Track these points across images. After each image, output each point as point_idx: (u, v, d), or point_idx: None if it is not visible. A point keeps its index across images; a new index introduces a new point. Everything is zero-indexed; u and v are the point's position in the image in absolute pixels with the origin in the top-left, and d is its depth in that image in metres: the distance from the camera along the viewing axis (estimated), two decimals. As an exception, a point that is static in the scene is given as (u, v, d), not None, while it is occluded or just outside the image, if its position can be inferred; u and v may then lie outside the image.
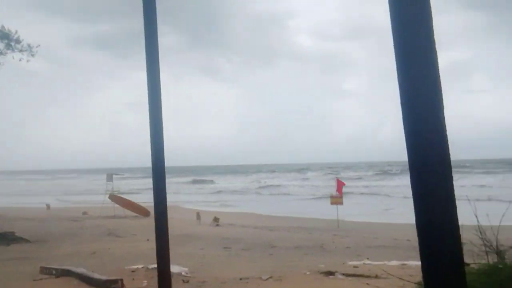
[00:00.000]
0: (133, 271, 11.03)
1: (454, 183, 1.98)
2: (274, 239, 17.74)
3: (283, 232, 20.40)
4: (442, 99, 1.72)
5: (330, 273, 10.12)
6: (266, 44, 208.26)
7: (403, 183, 54.19)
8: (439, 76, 1.75)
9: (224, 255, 14.62)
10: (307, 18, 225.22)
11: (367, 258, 13.15)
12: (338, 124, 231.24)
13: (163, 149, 2.11)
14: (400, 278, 7.95)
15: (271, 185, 60.47)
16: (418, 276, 9.69)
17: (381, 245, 16.77)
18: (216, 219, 24.50)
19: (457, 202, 2.03)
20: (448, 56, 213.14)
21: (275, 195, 48.91)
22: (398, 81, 1.84)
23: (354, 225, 23.54)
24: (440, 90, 1.74)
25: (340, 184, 24.74)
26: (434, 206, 1.68)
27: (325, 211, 27.44)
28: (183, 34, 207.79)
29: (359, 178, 62.75)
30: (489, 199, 30.50)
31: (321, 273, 10.25)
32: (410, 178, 1.77)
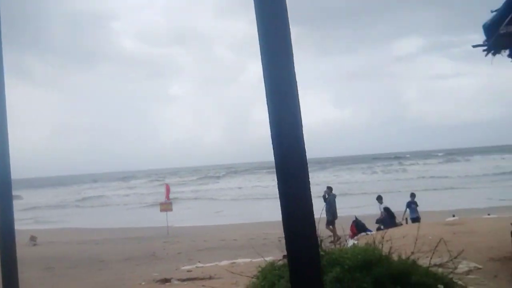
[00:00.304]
0: None
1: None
2: (101, 253, 17.00)
3: (111, 245, 19.63)
4: (299, 105, 2.02)
5: (166, 280, 10.18)
6: (87, 46, 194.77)
7: (227, 186, 57.10)
8: (297, 87, 2.05)
9: (47, 276, 13.41)
10: (132, 21, 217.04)
11: (199, 261, 13.55)
12: (164, 130, 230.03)
13: (9, 165, 1.95)
14: (232, 272, 8.49)
15: (92, 196, 56.96)
16: (248, 272, 10.44)
17: (211, 247, 17.45)
18: (33, 238, 22.17)
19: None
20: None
21: (98, 206, 46.23)
22: (266, 91, 2.09)
23: (184, 230, 23.87)
24: (298, 96, 2.04)
25: (169, 190, 24.78)
26: (295, 199, 1.98)
27: (154, 219, 27.25)
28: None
29: (185, 184, 63.60)
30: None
31: (157, 281, 10.23)
32: (277, 176, 2.02)
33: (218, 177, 73.90)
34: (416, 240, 6.64)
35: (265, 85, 2.06)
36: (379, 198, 16.96)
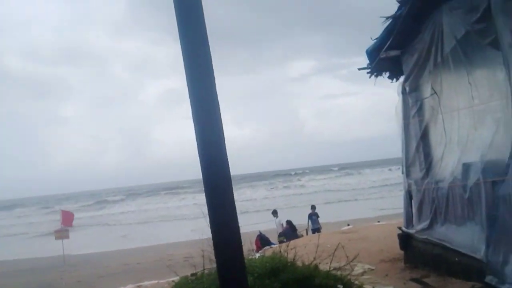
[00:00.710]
0: None
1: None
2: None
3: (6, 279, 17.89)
4: (221, 123, 2.22)
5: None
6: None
7: (127, 209, 54.95)
8: (219, 106, 2.24)
9: None
10: (18, 38, 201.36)
11: (101, 288, 12.98)
12: (56, 154, 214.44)
13: None
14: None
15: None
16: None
17: (113, 273, 16.76)
18: None
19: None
20: (164, 85, 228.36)
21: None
22: (191, 111, 2.25)
23: (82, 257, 22.53)
24: (220, 114, 2.24)
25: (66, 216, 23.25)
26: (221, 210, 2.16)
27: (48, 248, 25.38)
28: None
29: (80, 209, 59.89)
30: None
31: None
32: (205, 191, 2.19)
33: (116, 201, 70.85)
34: (317, 247, 7.16)
35: (191, 105, 2.24)
36: (274, 212, 17.64)
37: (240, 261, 2.15)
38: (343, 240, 11.54)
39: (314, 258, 6.86)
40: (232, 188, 2.19)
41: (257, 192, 59.10)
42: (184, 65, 2.25)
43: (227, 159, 2.18)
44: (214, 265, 6.15)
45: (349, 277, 6.67)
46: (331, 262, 7.04)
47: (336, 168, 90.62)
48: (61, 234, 22.30)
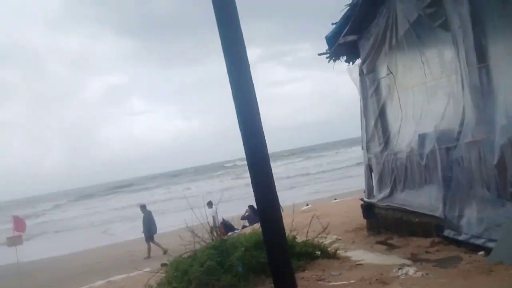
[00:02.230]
0: None
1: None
2: None
3: None
4: (258, 107, 2.63)
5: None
6: None
7: (76, 213, 53.21)
8: (256, 97, 2.65)
9: None
10: None
11: (68, 289, 12.86)
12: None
13: None
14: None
15: None
16: (131, 285, 10.39)
17: (75, 274, 16.48)
18: None
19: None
20: (108, 81, 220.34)
21: None
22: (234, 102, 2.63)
23: (38, 263, 21.77)
24: (257, 103, 2.65)
25: (18, 222, 22.38)
26: (263, 187, 2.58)
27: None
28: None
29: (31, 215, 57.32)
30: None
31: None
32: (249, 170, 2.58)
33: (63, 204, 68.42)
34: (292, 221, 7.73)
35: (231, 91, 2.63)
36: (209, 204, 17.59)
37: (281, 231, 2.60)
38: (306, 218, 12.20)
39: (290, 231, 7.44)
40: (270, 166, 2.62)
41: (211, 185, 59.12)
42: (225, 61, 2.63)
43: (264, 137, 2.60)
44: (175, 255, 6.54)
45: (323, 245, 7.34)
46: (307, 233, 7.66)
47: (287, 154, 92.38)
48: (14, 240, 21.48)
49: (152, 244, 17.64)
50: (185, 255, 6.34)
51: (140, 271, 10.25)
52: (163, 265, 10.19)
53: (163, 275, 6.39)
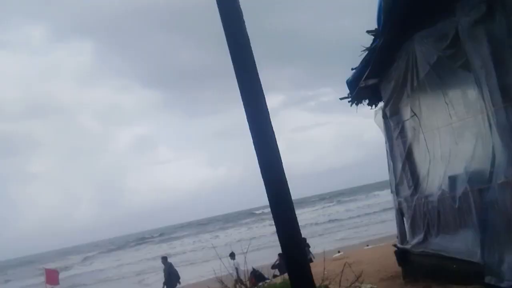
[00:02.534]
0: None
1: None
2: None
3: None
4: (279, 150, 2.60)
5: None
6: None
7: (102, 267, 53.25)
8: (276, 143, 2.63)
9: None
10: None
11: None
12: (24, 212, 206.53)
13: None
14: None
15: None
16: None
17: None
18: None
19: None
20: (135, 131, 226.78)
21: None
22: (254, 147, 2.63)
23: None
24: (277, 147, 2.63)
25: (51, 274, 22.43)
26: (291, 240, 2.53)
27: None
28: None
29: (63, 267, 57.68)
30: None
31: None
32: (271, 211, 2.52)
33: (95, 256, 68.72)
34: (324, 270, 7.49)
35: (251, 133, 2.63)
36: (232, 255, 17.37)
37: (309, 279, 2.52)
38: (338, 266, 11.82)
39: (322, 280, 7.18)
40: (293, 207, 2.56)
41: (237, 233, 58.52)
42: (242, 97, 2.65)
43: (287, 181, 2.56)
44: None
45: (358, 295, 7.04)
46: (340, 282, 7.37)
47: (316, 199, 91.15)
48: (49, 295, 21.47)
49: None
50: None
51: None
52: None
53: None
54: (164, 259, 19.60)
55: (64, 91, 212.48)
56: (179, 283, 18.43)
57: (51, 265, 39.18)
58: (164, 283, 18.33)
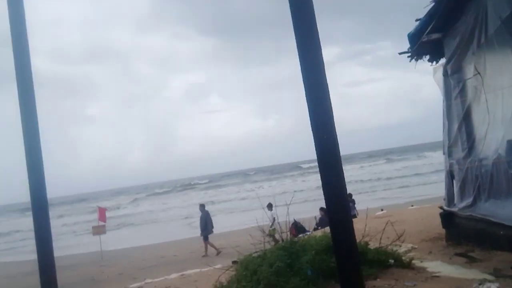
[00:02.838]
0: None
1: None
2: (37, 285, 16.02)
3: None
4: (331, 105, 2.56)
5: (122, 297, 10.07)
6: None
7: (154, 208, 55.88)
8: (329, 92, 2.58)
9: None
10: (43, 38, 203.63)
11: (145, 278, 13.41)
12: (82, 152, 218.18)
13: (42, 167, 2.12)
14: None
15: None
16: (202, 280, 10.67)
17: (152, 265, 17.27)
18: None
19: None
20: (188, 79, 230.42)
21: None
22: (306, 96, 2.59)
23: (118, 252, 23.12)
24: (329, 97, 2.58)
25: (102, 212, 23.88)
26: (336, 195, 2.50)
27: (84, 245, 26.26)
28: None
29: (114, 206, 61.27)
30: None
31: (113, 299, 10.08)
32: (319, 169, 2.50)
33: (144, 198, 72.15)
34: (365, 227, 7.49)
35: (305, 90, 2.58)
36: (269, 206, 17.15)
37: (351, 236, 2.50)
38: (380, 224, 11.78)
39: (363, 236, 7.20)
40: (341, 162, 2.52)
41: (282, 185, 59.22)
42: (297, 48, 2.59)
43: (337, 139, 2.51)
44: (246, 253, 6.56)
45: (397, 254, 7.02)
46: (380, 240, 7.38)
47: (364, 156, 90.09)
48: (98, 230, 22.94)
49: (207, 243, 18.34)
50: (255, 255, 6.36)
51: (211, 267, 10.54)
52: (234, 262, 10.35)
53: (233, 273, 6.45)
54: (202, 206, 20.22)
55: (122, 36, 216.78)
56: (212, 232, 19.22)
57: (103, 204, 41.49)
58: (203, 229, 19.05)
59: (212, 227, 19.18)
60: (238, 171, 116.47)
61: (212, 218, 19.90)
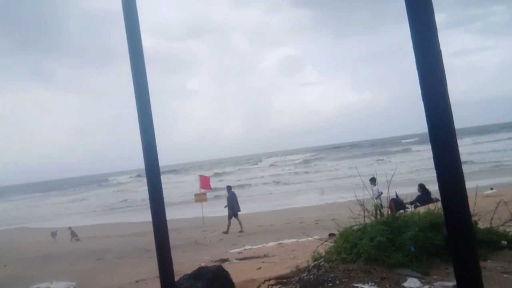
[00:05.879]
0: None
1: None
2: (146, 244, 17.26)
3: (151, 237, 20.05)
4: (445, 77, 2.42)
5: (224, 260, 10.63)
6: (104, 45, 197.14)
7: (256, 175, 57.52)
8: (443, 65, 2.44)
9: (100, 266, 13.88)
10: (146, 15, 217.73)
11: (245, 245, 13.95)
12: (184, 125, 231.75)
13: (156, 152, 2.24)
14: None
15: (129, 191, 58.60)
16: (298, 250, 10.85)
17: (250, 233, 17.92)
18: (73, 234, 22.99)
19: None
20: (282, 52, 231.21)
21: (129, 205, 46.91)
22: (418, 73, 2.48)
23: (218, 219, 24.25)
24: (443, 68, 2.44)
25: (204, 180, 25.12)
26: (447, 164, 2.39)
27: (186, 211, 27.96)
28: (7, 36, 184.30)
29: (213, 176, 64.40)
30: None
31: (216, 261, 10.67)
32: (432, 149, 2.40)
33: (247, 169, 74.40)
34: (474, 205, 7.00)
35: (415, 57, 2.45)
36: (373, 180, 16.65)
37: (467, 213, 2.35)
38: (489, 204, 10.97)
39: (471, 215, 6.76)
40: (455, 133, 2.37)
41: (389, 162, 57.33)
42: (410, 26, 2.46)
43: (451, 110, 2.37)
44: (340, 228, 6.47)
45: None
46: (491, 220, 6.89)
47: (472, 132, 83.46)
48: (200, 197, 24.27)
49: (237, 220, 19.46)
50: (355, 228, 6.30)
51: (309, 238, 10.65)
52: (331, 235, 10.36)
53: (331, 244, 6.47)
54: (229, 188, 20.95)
55: (219, 11, 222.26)
56: (239, 210, 20.11)
57: (205, 173, 43.58)
58: (230, 208, 19.89)
59: (238, 206, 20.14)
60: (335, 144, 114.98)
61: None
